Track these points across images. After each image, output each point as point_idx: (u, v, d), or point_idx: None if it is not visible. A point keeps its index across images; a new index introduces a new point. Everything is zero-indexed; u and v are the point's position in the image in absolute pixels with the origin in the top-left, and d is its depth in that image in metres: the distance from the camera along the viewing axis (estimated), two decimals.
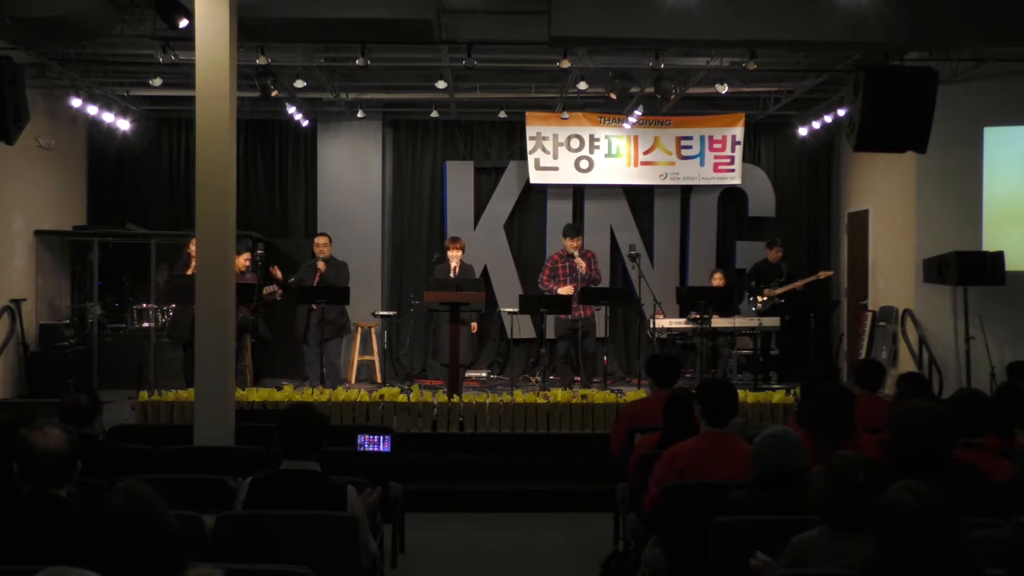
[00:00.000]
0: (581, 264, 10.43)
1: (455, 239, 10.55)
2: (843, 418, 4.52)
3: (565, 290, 10.35)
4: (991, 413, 4.54)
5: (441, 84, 9.95)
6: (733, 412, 4.72)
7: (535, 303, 10.15)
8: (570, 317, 10.34)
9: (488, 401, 8.45)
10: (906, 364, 10.48)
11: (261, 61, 9.04)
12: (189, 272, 9.37)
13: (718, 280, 11.25)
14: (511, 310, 11.01)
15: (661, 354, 8.81)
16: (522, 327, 11.57)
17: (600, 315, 10.74)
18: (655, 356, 7.01)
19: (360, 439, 5.70)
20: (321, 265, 10.06)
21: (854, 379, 6.41)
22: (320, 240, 10.27)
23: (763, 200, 12.61)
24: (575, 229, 10.76)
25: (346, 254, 10.63)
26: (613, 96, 10.15)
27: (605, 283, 11.54)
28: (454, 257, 10.26)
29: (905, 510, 2.63)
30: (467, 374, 10.72)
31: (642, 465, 5.06)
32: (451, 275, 10.12)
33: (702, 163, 12.25)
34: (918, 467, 3.60)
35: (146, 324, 10.99)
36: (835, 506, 3.25)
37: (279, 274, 9.97)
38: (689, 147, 12.23)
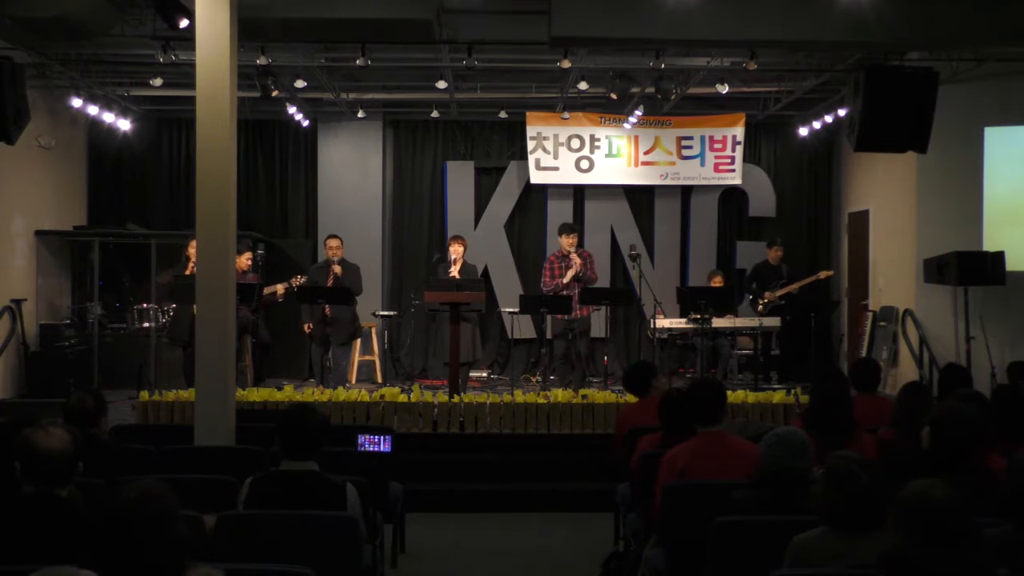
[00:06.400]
0: (576, 260, 10.35)
1: (457, 237, 10.51)
2: (842, 419, 4.52)
3: (570, 274, 10.25)
4: (995, 411, 4.54)
5: (441, 84, 9.94)
6: (720, 409, 4.69)
7: (536, 303, 10.14)
8: (567, 317, 10.32)
9: (488, 401, 8.45)
10: (906, 364, 10.49)
11: (261, 61, 9.04)
12: (187, 273, 9.37)
13: (716, 282, 11.25)
14: (512, 310, 11.00)
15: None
16: (522, 327, 11.56)
17: (600, 315, 10.72)
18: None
19: (360, 439, 5.71)
20: (337, 268, 10.04)
21: (850, 381, 6.40)
22: (332, 243, 10.21)
23: (763, 200, 12.61)
24: (571, 227, 10.73)
25: (347, 254, 10.63)
26: (613, 96, 10.14)
27: (604, 283, 11.53)
28: (456, 255, 10.15)
29: (936, 506, 2.69)
30: (469, 374, 10.69)
31: (643, 465, 5.07)
32: (451, 273, 10.07)
33: (702, 163, 12.24)
34: (943, 466, 3.61)
35: (146, 324, 10.98)
36: (834, 507, 3.26)
37: (281, 290, 9.98)
38: (689, 147, 12.23)
